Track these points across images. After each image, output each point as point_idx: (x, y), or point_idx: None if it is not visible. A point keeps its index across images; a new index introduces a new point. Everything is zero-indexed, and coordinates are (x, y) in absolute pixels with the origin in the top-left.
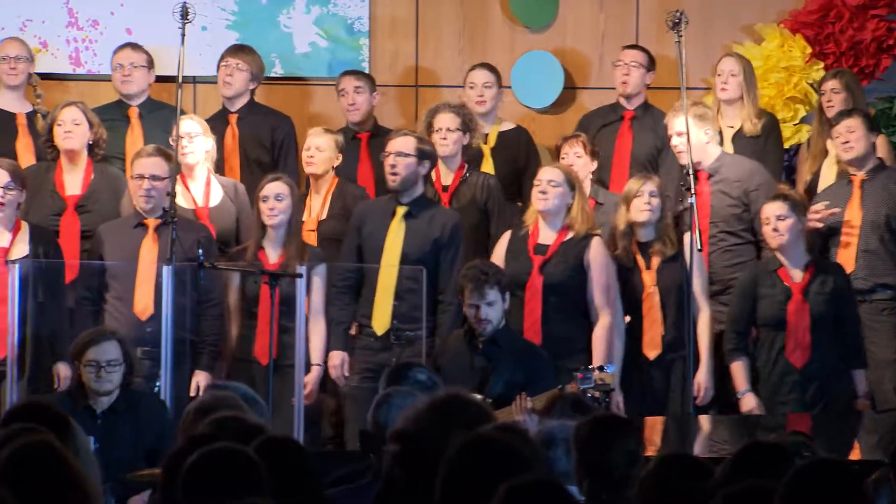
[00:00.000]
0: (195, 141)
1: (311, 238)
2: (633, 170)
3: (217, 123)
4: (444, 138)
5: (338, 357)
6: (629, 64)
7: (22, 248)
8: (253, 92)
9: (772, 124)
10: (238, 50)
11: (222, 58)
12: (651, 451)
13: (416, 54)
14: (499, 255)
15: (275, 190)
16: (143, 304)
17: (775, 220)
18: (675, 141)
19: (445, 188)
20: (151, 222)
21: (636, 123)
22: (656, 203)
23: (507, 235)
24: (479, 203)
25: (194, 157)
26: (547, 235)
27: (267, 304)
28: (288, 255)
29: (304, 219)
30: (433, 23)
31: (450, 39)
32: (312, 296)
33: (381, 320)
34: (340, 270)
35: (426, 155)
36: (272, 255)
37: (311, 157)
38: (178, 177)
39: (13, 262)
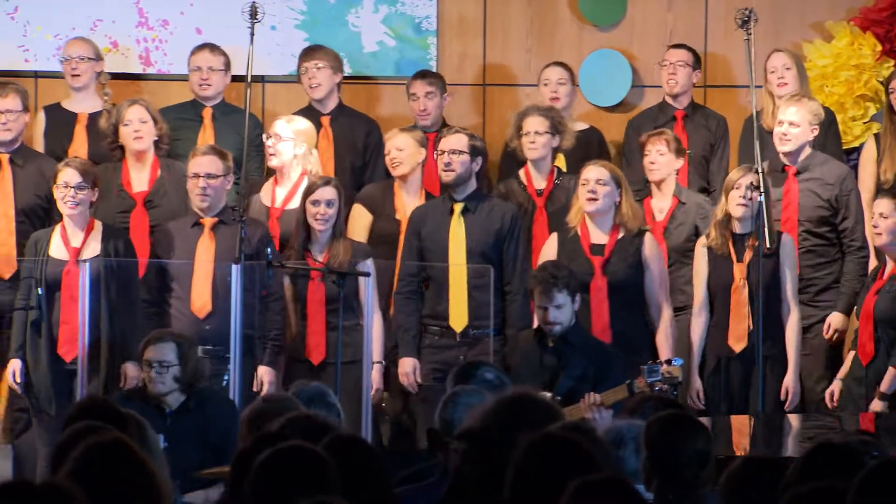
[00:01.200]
0: (281, 144)
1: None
2: (690, 168)
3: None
4: (533, 141)
5: (409, 364)
6: (675, 63)
7: (94, 248)
8: (339, 88)
9: (829, 120)
10: (311, 51)
11: (299, 65)
12: (737, 451)
13: (483, 53)
14: (549, 258)
15: (326, 195)
16: (200, 302)
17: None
18: (783, 129)
19: (539, 192)
20: (208, 221)
21: (688, 122)
22: (755, 197)
23: (554, 237)
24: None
25: (278, 159)
26: (599, 235)
27: (315, 304)
28: (331, 253)
29: (399, 218)
30: (501, 21)
31: (518, 38)
32: (364, 293)
33: (458, 318)
34: (402, 276)
35: (478, 152)
36: (317, 253)
37: (395, 158)
38: (273, 178)
39: (84, 261)
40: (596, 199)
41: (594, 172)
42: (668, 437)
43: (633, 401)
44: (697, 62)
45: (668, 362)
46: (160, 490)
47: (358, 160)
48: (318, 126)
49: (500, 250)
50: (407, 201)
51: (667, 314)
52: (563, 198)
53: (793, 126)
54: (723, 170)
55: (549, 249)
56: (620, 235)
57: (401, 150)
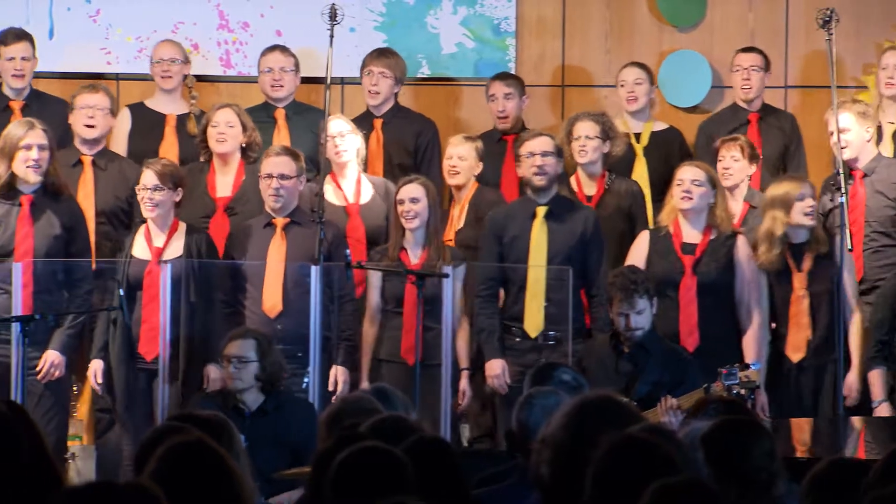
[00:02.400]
0: (347, 139)
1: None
2: (763, 171)
3: (361, 126)
4: (584, 146)
5: (498, 366)
6: (749, 68)
7: (177, 248)
8: (397, 94)
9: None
10: (381, 55)
11: (365, 64)
12: (801, 453)
13: (562, 54)
14: (639, 256)
15: (410, 193)
16: (271, 302)
17: None
18: (835, 138)
19: (589, 197)
20: (280, 221)
21: (762, 124)
22: (816, 206)
23: (645, 235)
24: (624, 210)
25: (348, 154)
26: (692, 234)
27: (411, 305)
28: (429, 255)
29: (446, 225)
30: (580, 23)
31: (597, 39)
32: (454, 298)
33: (533, 323)
34: (482, 279)
35: (561, 153)
36: (413, 256)
37: (454, 166)
38: (329, 175)
39: (165, 262)
40: (690, 199)
41: (690, 172)
42: (735, 443)
43: (696, 404)
44: (767, 65)
45: (747, 366)
46: (243, 490)
47: (408, 160)
48: (370, 128)
49: (582, 255)
50: (456, 212)
51: (756, 318)
52: (614, 202)
53: (847, 132)
54: (802, 171)
55: (639, 248)
56: (713, 236)
57: (462, 160)
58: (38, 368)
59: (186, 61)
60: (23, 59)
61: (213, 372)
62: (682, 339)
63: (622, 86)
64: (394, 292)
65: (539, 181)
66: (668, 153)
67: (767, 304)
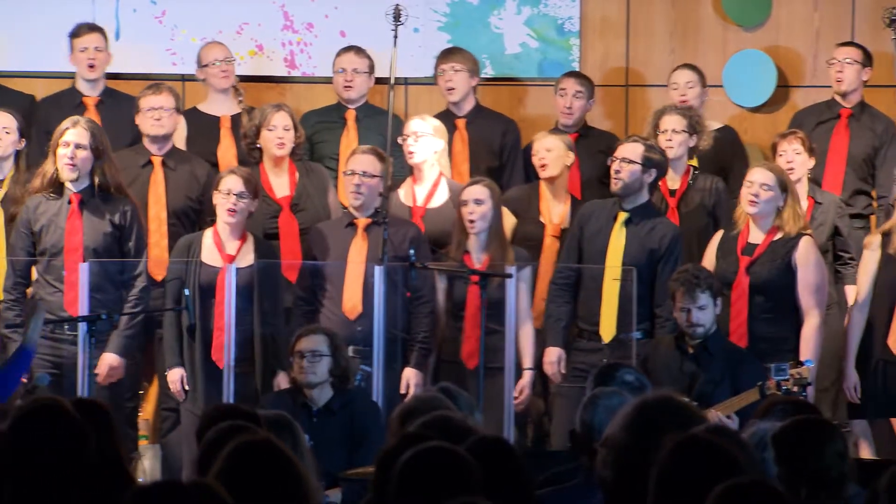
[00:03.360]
0: (420, 141)
1: (554, 246)
2: (849, 168)
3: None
4: (670, 140)
5: (554, 354)
6: (843, 61)
7: (248, 258)
8: (475, 90)
9: None
10: (448, 53)
11: (436, 66)
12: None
13: (626, 54)
14: (710, 256)
15: (474, 194)
16: (351, 303)
17: None
18: None
19: (672, 192)
20: (361, 222)
21: (853, 122)
22: None
23: (718, 235)
24: (707, 207)
25: (419, 156)
26: (756, 235)
27: (474, 307)
28: (492, 257)
29: (543, 221)
30: (644, 23)
31: (661, 39)
32: (519, 300)
33: (608, 327)
34: (561, 267)
35: (653, 163)
36: (476, 258)
37: (543, 159)
38: (410, 176)
39: (238, 269)
40: (756, 203)
41: (760, 175)
42: (807, 443)
43: (764, 404)
44: (868, 59)
45: (799, 363)
46: (308, 490)
47: (494, 161)
48: (454, 128)
49: (652, 270)
50: (552, 205)
51: (813, 320)
52: (697, 198)
53: None
54: (892, 175)
55: (711, 247)
56: (776, 237)
57: (549, 151)
58: (96, 371)
59: (234, 61)
60: (96, 49)
61: (283, 381)
62: (732, 338)
63: (674, 88)
64: (458, 295)
65: (613, 185)
66: (721, 153)
67: (870, 289)
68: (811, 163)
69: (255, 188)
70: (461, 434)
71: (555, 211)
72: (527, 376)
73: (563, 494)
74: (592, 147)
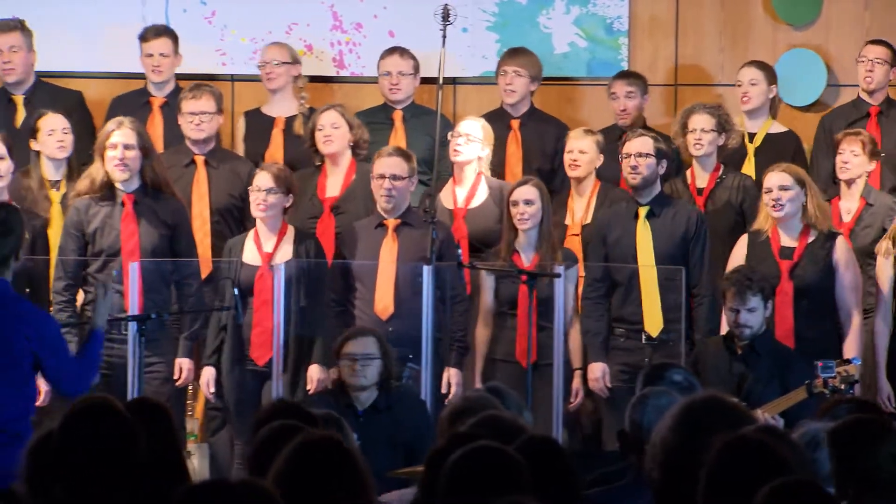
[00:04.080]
0: (470, 144)
1: (574, 242)
2: (883, 167)
3: (496, 126)
4: (699, 139)
5: (599, 369)
6: (873, 60)
7: (286, 252)
8: (532, 93)
9: None
10: (515, 55)
11: (500, 64)
12: None
13: (675, 53)
14: (738, 260)
15: (524, 195)
16: (383, 304)
17: None
18: None
19: (700, 190)
20: (391, 222)
21: (883, 118)
22: None
23: (744, 240)
24: (734, 205)
25: (464, 157)
26: (789, 238)
27: (525, 305)
28: (541, 256)
29: (566, 222)
30: (693, 21)
31: (710, 38)
32: (567, 300)
33: (653, 322)
34: (589, 281)
35: (663, 155)
36: (525, 257)
37: (575, 160)
38: (451, 177)
39: (277, 266)
40: (781, 207)
41: (776, 179)
42: (861, 441)
43: (828, 402)
44: (895, 59)
45: (846, 361)
46: (370, 489)
47: (546, 164)
48: (507, 129)
49: (685, 253)
50: (578, 205)
51: (856, 320)
52: (725, 197)
53: None
54: None
55: (738, 252)
56: (811, 239)
57: (583, 153)
58: (175, 377)
59: (295, 62)
60: (161, 54)
61: (316, 373)
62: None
63: (738, 85)
64: (507, 293)
65: (632, 181)
66: (781, 156)
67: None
68: (871, 166)
69: (288, 184)
70: (510, 433)
71: (579, 211)
72: (578, 377)
73: (612, 494)
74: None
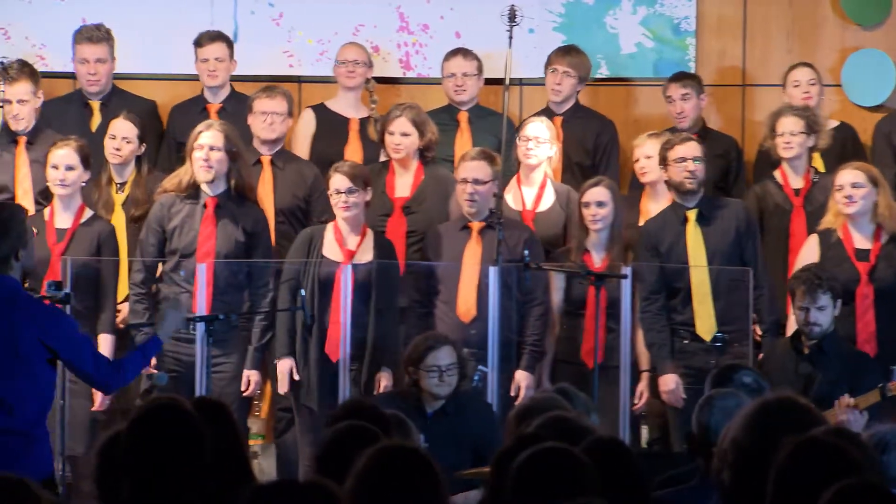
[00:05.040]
0: (542, 146)
1: None
2: None
3: None
4: (788, 142)
5: (671, 381)
6: None
7: (368, 252)
8: (577, 92)
9: None
10: (565, 54)
11: (550, 61)
12: None
13: (742, 54)
14: (807, 260)
15: (597, 196)
16: (466, 306)
17: None
18: None
19: (797, 192)
20: (476, 225)
21: None
22: None
23: (814, 240)
24: None
25: (536, 159)
26: (862, 239)
27: (593, 306)
28: (612, 257)
29: (638, 223)
30: (761, 22)
31: (778, 38)
32: (623, 296)
33: (705, 325)
34: (646, 294)
35: (707, 157)
36: (597, 257)
37: (643, 167)
38: (515, 178)
39: (358, 265)
40: (853, 203)
41: (849, 176)
42: None
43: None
44: None
45: None
46: (445, 496)
47: (586, 160)
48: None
49: (740, 251)
50: (653, 207)
51: None
52: (822, 197)
53: None
54: None
55: (808, 252)
56: (885, 240)
57: (649, 158)
58: (243, 389)
59: (369, 65)
60: (216, 59)
61: (385, 379)
62: (860, 346)
63: (796, 86)
64: (576, 294)
65: (689, 185)
66: (842, 150)
67: None
68: None
69: (365, 179)
70: (577, 435)
71: (654, 212)
72: (645, 379)
73: (679, 496)
74: (710, 150)
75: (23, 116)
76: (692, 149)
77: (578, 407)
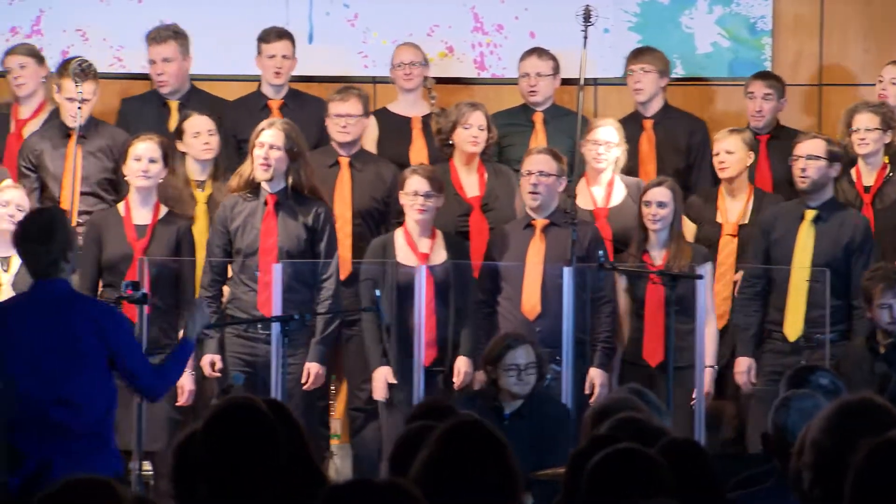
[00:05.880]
0: (612, 151)
1: (730, 244)
2: None
3: (630, 127)
4: (863, 138)
5: (745, 363)
6: None
7: (440, 254)
8: (664, 90)
9: None
10: (639, 53)
11: (627, 66)
12: None
13: (819, 53)
14: None
15: (658, 196)
16: (530, 303)
17: None
18: None
19: (867, 188)
20: (539, 223)
21: None
22: None
23: None
24: None
25: (606, 163)
26: None
27: (654, 306)
28: (670, 255)
29: (718, 221)
30: (839, 20)
31: (856, 37)
32: (697, 297)
33: (793, 326)
34: (747, 276)
35: (836, 157)
36: (656, 256)
37: (723, 161)
38: (583, 177)
39: (432, 266)
40: None
41: None
42: None
43: None
44: None
45: None
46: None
47: (681, 162)
48: (640, 129)
49: (847, 263)
50: (730, 204)
51: None
52: (893, 194)
53: None
54: None
55: None
56: None
57: (730, 153)
58: (303, 381)
59: (426, 63)
60: (283, 57)
61: (464, 366)
62: None
63: (879, 81)
64: (637, 293)
65: (801, 183)
66: None
67: None
68: None
69: (440, 184)
70: (649, 435)
71: (732, 210)
72: (707, 374)
73: (756, 497)
74: (785, 149)
75: (84, 113)
76: (809, 147)
77: (651, 408)
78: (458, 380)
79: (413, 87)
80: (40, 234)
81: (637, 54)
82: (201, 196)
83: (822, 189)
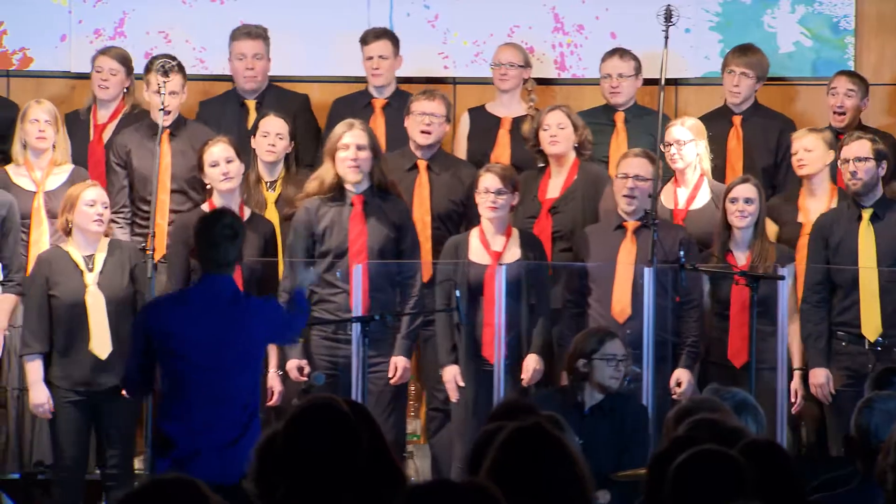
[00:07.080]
0: (684, 148)
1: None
2: None
3: (719, 123)
4: None
5: (822, 375)
6: None
7: (514, 253)
8: (756, 91)
9: None
10: (742, 53)
11: (727, 62)
12: None
13: None
14: None
15: (744, 193)
16: (620, 305)
17: None
18: None
19: None
20: (630, 224)
21: None
22: None
23: None
24: None
25: (683, 162)
26: None
27: (739, 306)
28: (755, 255)
29: (800, 220)
30: None
31: None
32: (780, 298)
33: (871, 325)
34: (810, 284)
35: (883, 156)
36: (740, 256)
37: (801, 159)
38: (672, 178)
39: (505, 265)
40: None
41: None
42: None
43: None
44: None
45: None
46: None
47: (769, 160)
48: (730, 125)
49: None
50: (811, 204)
51: None
52: None
53: None
54: None
55: None
56: None
57: (809, 151)
58: (390, 375)
59: (526, 65)
60: (380, 57)
61: (533, 363)
62: None
63: None
64: (720, 294)
65: (853, 187)
66: None
67: None
68: None
69: (513, 182)
70: (729, 436)
71: (814, 209)
72: (797, 377)
73: (839, 499)
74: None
75: (171, 108)
76: (856, 149)
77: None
78: (526, 376)
79: (508, 87)
80: (232, 231)
81: (741, 54)
82: (270, 196)
83: (874, 188)
